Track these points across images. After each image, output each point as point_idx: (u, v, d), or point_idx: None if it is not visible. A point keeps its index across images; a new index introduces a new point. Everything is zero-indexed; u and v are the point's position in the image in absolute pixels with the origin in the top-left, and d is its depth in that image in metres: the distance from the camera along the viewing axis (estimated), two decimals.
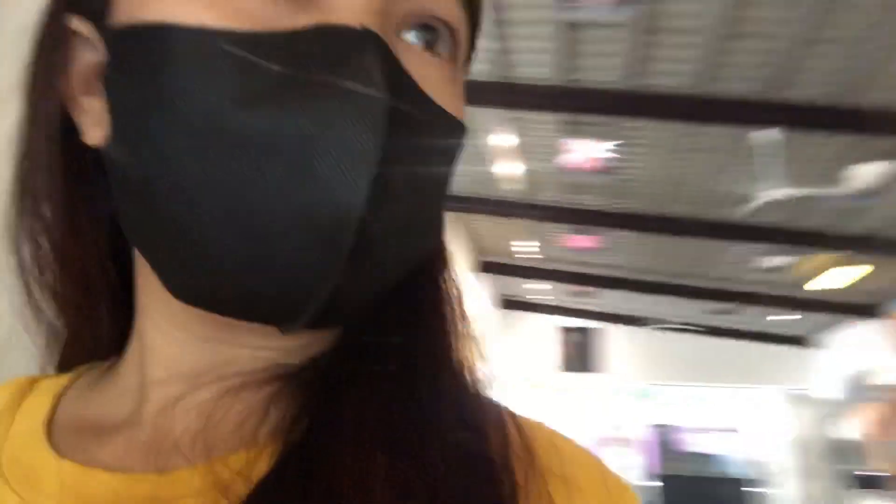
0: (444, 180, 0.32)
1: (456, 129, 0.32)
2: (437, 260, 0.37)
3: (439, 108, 0.30)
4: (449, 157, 0.32)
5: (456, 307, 0.36)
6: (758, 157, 4.45)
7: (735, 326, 9.23)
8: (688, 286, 7.72)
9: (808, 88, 3.81)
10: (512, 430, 0.32)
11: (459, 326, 0.36)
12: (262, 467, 0.29)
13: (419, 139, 0.29)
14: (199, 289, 0.29)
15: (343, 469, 0.28)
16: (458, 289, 0.37)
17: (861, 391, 7.09)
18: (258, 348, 0.32)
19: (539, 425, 0.34)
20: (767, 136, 4.19)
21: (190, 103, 0.26)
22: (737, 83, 3.88)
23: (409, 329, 0.34)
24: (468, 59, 0.37)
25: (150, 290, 0.33)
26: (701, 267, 7.23)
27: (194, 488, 0.29)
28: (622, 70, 3.87)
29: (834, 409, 7.15)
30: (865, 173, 4.65)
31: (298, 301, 0.28)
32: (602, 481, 0.33)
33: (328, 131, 0.25)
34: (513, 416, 0.34)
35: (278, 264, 0.27)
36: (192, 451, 0.30)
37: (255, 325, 0.30)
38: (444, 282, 0.37)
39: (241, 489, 0.28)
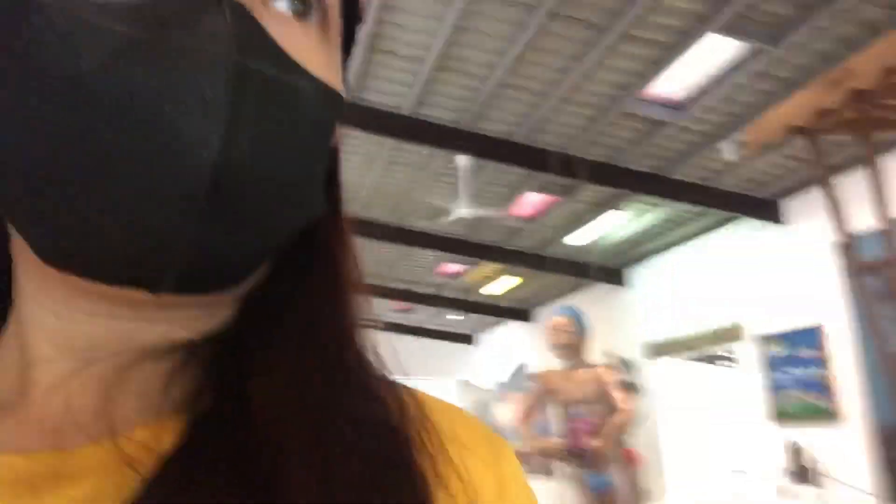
0: (314, 144, 0.32)
1: (326, 94, 0.32)
2: (331, 231, 0.37)
3: (304, 71, 0.30)
4: (318, 120, 0.32)
5: (354, 281, 0.36)
6: (452, 177, 5.02)
7: (416, 324, 10.14)
8: (378, 286, 8.21)
9: (498, 125, 4.45)
10: (407, 399, 0.34)
11: (356, 300, 0.36)
12: (167, 441, 0.28)
13: (280, 100, 0.29)
14: (62, 249, 0.29)
15: (253, 440, 0.28)
16: (355, 262, 0.37)
17: (513, 382, 8.36)
18: (150, 321, 0.31)
19: (426, 394, 0.36)
20: (462, 161, 4.77)
21: (40, 66, 0.26)
22: (442, 111, 4.34)
23: (308, 302, 0.34)
24: (351, 30, 0.38)
25: (30, 267, 0.32)
26: (391, 269, 7.81)
27: (99, 463, 0.28)
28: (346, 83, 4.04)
29: (492, 397, 8.30)
30: (531, 201, 5.55)
31: (158, 259, 0.28)
32: (487, 440, 0.36)
33: (177, 88, 0.26)
34: (404, 386, 0.36)
35: (133, 221, 0.27)
36: (92, 427, 0.29)
37: (135, 293, 0.29)
38: (340, 254, 0.37)
39: (148, 463, 0.28)
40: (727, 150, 4.22)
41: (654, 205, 5.44)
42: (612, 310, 7.17)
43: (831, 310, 4.72)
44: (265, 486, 0.27)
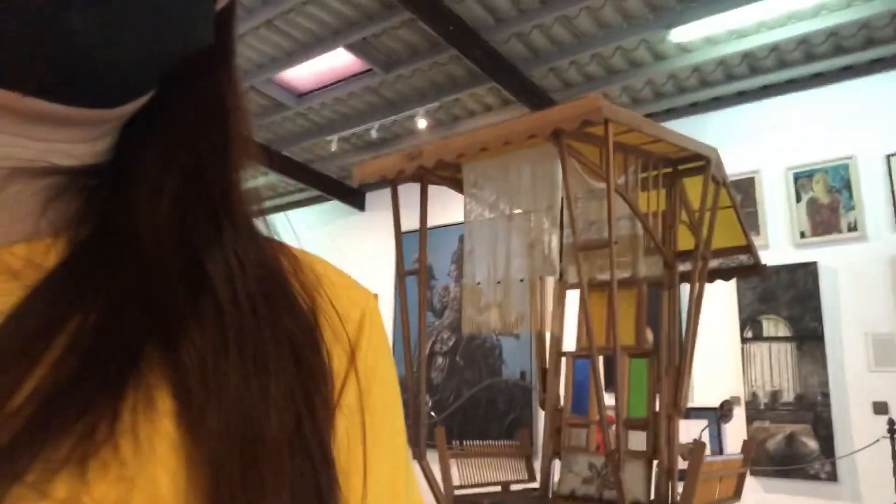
0: None
1: None
2: (222, 78, 0.35)
3: None
4: None
5: (242, 133, 0.35)
6: None
7: None
8: None
9: None
10: (282, 246, 0.36)
11: (243, 151, 0.35)
12: (50, 259, 0.28)
13: None
14: None
15: (137, 265, 0.29)
16: (245, 116, 0.36)
17: None
18: (26, 136, 0.29)
19: (284, 242, 0.37)
20: None
21: None
22: None
23: (195, 140, 0.33)
24: None
25: None
26: None
27: None
28: None
29: None
30: None
31: (29, 55, 0.25)
32: (353, 282, 0.39)
33: None
34: (276, 239, 0.37)
35: (7, 12, 0.25)
36: None
37: (7, 95, 0.27)
38: (232, 104, 0.35)
39: (32, 276, 0.27)
40: (333, 143, 4.98)
41: (264, 174, 5.92)
42: None
43: (385, 286, 5.92)
44: (150, 308, 0.28)
